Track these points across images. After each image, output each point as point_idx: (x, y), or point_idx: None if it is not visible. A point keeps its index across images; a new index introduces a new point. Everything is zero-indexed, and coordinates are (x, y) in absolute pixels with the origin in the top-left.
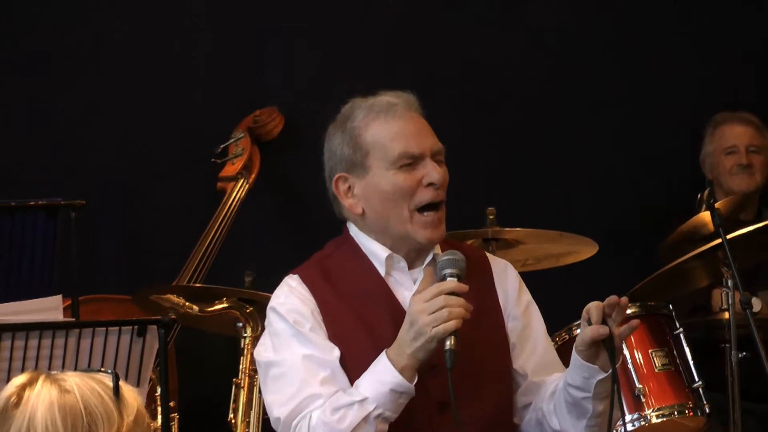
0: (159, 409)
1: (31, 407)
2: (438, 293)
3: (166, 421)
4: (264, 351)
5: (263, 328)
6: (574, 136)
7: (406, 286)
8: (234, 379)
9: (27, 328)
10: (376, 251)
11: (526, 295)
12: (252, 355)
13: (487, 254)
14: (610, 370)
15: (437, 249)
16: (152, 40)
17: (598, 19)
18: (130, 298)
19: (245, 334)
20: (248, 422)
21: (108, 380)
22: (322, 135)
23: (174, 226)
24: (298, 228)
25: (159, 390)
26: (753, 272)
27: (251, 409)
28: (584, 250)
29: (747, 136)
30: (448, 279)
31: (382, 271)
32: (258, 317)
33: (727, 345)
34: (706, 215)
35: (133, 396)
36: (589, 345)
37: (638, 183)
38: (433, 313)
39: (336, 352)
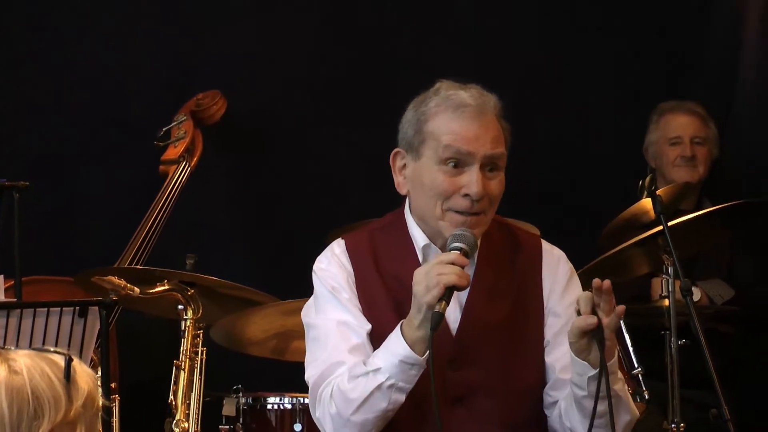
0: (100, 390)
1: None
2: (437, 264)
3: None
4: (308, 311)
5: (204, 311)
6: (517, 121)
7: None
8: (175, 361)
9: None
10: (416, 237)
11: (574, 292)
12: (192, 337)
13: (544, 243)
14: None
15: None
16: (94, 22)
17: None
18: (71, 279)
19: (186, 317)
20: (188, 404)
21: (61, 361)
22: (264, 119)
23: (116, 209)
24: (239, 211)
25: (100, 371)
26: (692, 261)
27: (192, 391)
28: None
29: (692, 127)
30: (452, 252)
31: (420, 257)
32: (199, 299)
33: (667, 332)
34: (646, 202)
35: (85, 378)
36: (579, 336)
37: (579, 168)
38: (428, 283)
39: (368, 326)
